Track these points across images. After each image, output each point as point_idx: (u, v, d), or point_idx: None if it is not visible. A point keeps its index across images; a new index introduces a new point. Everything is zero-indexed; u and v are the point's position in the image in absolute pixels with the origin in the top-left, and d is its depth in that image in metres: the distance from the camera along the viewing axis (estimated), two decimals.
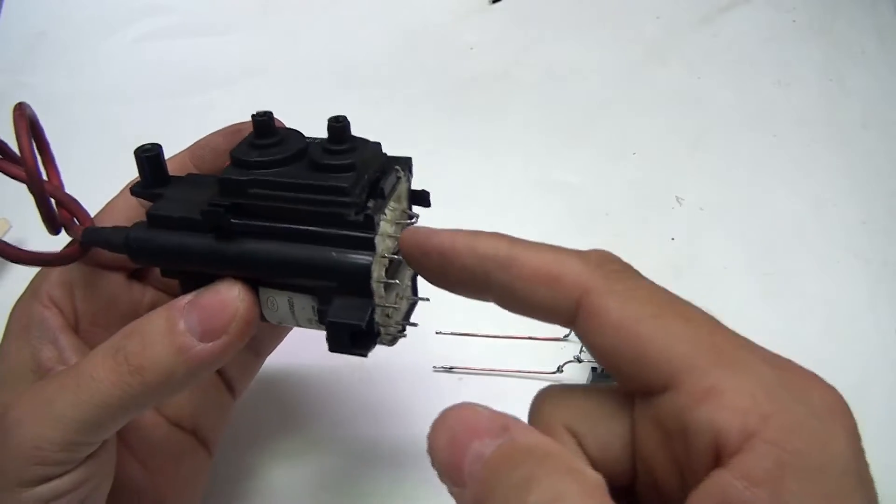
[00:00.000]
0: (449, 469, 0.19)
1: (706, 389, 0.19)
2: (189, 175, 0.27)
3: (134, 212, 0.28)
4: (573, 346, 0.40)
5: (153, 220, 0.25)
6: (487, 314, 0.41)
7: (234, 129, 0.29)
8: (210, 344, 0.23)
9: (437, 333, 0.40)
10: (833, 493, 0.17)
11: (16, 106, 0.24)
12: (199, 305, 0.24)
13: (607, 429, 0.21)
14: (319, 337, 0.24)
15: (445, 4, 0.60)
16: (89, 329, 0.27)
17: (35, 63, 0.56)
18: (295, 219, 0.24)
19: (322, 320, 0.25)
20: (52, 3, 0.60)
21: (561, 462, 0.18)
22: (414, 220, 0.26)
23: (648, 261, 0.49)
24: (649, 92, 0.55)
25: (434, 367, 0.39)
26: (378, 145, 0.26)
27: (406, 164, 0.27)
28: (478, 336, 0.40)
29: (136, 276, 0.29)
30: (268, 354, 0.33)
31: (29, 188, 0.24)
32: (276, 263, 0.24)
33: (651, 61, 0.57)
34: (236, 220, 0.24)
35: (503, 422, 0.20)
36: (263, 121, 0.25)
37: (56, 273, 0.27)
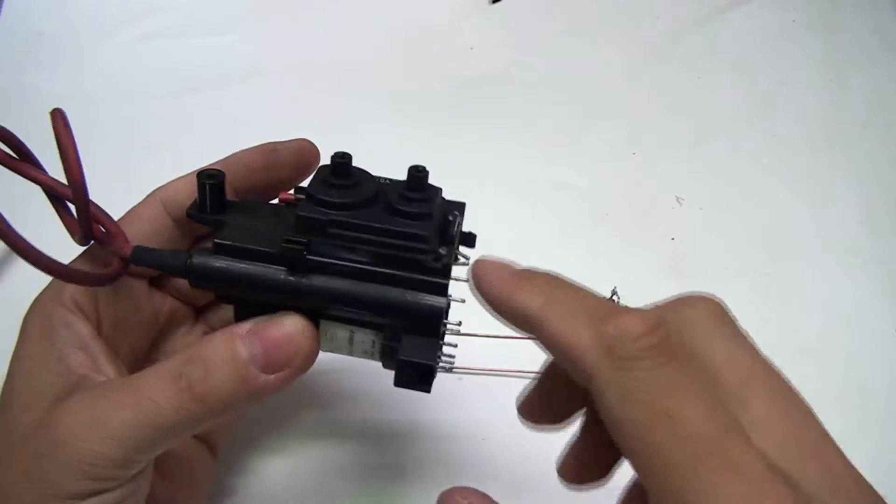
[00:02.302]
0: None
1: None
2: (243, 201, 0.27)
3: (160, 221, 0.28)
4: None
5: (221, 248, 0.25)
6: (486, 314, 0.41)
7: (270, 147, 0.30)
8: (272, 376, 0.24)
9: None
10: None
11: (54, 113, 0.24)
12: (263, 337, 0.24)
13: None
14: None
15: (445, 4, 0.60)
16: (111, 335, 0.27)
17: (35, 63, 0.56)
18: (371, 260, 0.25)
19: (386, 355, 0.26)
20: (52, 3, 0.60)
21: None
22: (467, 262, 0.26)
23: (648, 261, 0.49)
24: (649, 92, 0.55)
25: None
26: (439, 190, 0.27)
27: (461, 208, 0.28)
28: (478, 336, 0.40)
29: (154, 283, 0.29)
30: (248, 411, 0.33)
31: (74, 200, 0.24)
32: (348, 300, 0.25)
33: (651, 61, 0.57)
34: (312, 257, 0.24)
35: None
36: (343, 163, 0.26)
37: (90, 267, 0.27)
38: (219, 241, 0.25)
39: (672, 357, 0.19)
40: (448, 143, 0.51)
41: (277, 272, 0.25)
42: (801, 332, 0.42)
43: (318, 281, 0.24)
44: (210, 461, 0.32)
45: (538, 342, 0.22)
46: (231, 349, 0.24)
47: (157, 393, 0.23)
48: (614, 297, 0.39)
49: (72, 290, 0.26)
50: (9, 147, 0.25)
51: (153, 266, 0.26)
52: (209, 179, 0.26)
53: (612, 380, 0.19)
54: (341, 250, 0.25)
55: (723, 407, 0.18)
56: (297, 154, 0.30)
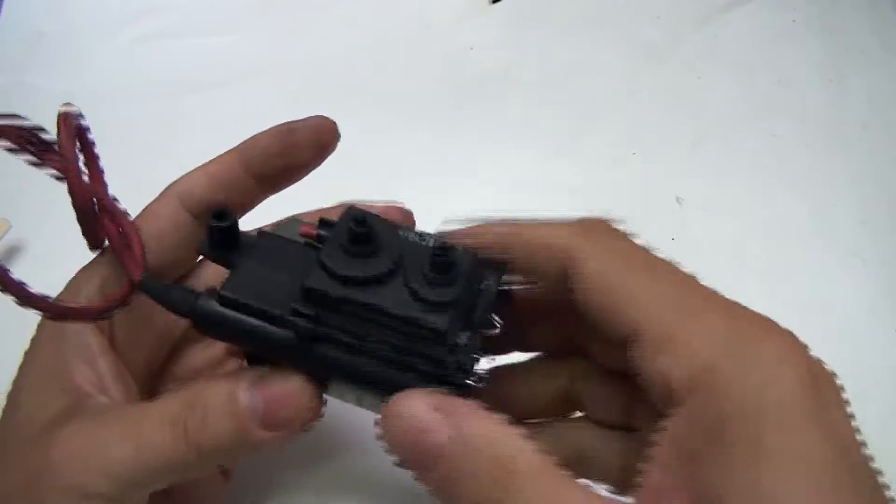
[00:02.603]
0: (409, 462, 0.21)
1: (661, 339, 0.20)
2: (261, 236, 0.25)
3: (177, 217, 0.27)
4: None
5: (225, 301, 0.23)
6: None
7: (285, 128, 0.28)
8: (270, 433, 0.23)
9: None
10: (774, 430, 0.18)
11: (62, 108, 0.23)
12: (265, 391, 0.23)
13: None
14: None
15: (445, 4, 0.60)
16: (125, 348, 0.27)
17: (35, 63, 0.56)
18: (383, 343, 0.22)
19: None
20: (52, 3, 0.60)
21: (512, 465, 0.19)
22: (495, 331, 0.24)
23: None
24: (649, 92, 0.55)
25: None
26: (468, 256, 0.24)
27: (497, 271, 0.25)
28: None
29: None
30: None
31: (71, 196, 0.24)
32: (357, 376, 0.23)
33: (651, 61, 0.57)
34: (321, 328, 0.22)
35: (444, 408, 0.20)
36: (362, 233, 0.23)
37: (96, 286, 0.26)
38: (223, 293, 0.23)
39: (625, 234, 0.24)
40: (448, 144, 0.51)
41: (286, 334, 0.23)
42: (800, 332, 0.42)
43: (327, 351, 0.23)
44: (221, 483, 0.31)
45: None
46: (232, 400, 0.23)
47: (156, 434, 0.23)
48: None
49: (86, 296, 0.26)
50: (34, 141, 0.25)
51: (159, 300, 0.24)
52: (218, 222, 0.24)
53: (592, 248, 0.22)
54: (353, 325, 0.23)
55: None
56: (316, 134, 0.29)
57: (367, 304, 0.22)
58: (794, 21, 0.60)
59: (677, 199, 0.49)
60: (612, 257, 0.22)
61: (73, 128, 0.24)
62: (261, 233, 0.25)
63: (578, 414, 0.28)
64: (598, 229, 0.24)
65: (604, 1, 0.61)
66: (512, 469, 0.19)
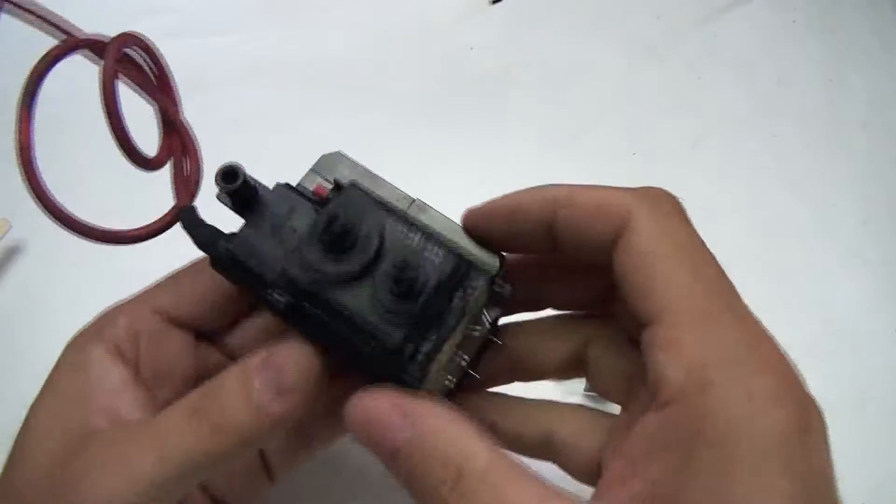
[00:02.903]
0: (375, 454, 0.21)
1: (671, 336, 0.20)
2: (276, 190, 0.26)
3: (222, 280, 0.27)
4: None
5: (230, 257, 0.24)
6: None
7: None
8: (283, 402, 0.23)
9: None
10: (748, 466, 0.18)
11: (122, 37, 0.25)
12: (271, 363, 0.24)
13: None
14: None
15: (445, 4, 0.60)
16: (151, 381, 0.27)
17: (35, 63, 0.56)
18: (350, 336, 0.23)
19: None
20: (52, 4, 0.60)
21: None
22: (481, 331, 0.25)
23: None
24: (649, 92, 0.55)
25: None
26: (450, 257, 0.24)
27: (487, 273, 0.25)
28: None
29: (205, 336, 0.29)
30: (319, 449, 0.32)
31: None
32: (338, 351, 0.24)
33: (651, 61, 0.57)
34: (302, 305, 0.24)
35: (404, 409, 0.21)
36: (337, 238, 0.23)
37: (124, 320, 0.26)
38: (230, 248, 0.24)
39: (688, 220, 0.24)
40: (448, 144, 0.51)
41: (277, 300, 0.24)
42: (801, 332, 0.42)
43: (311, 325, 0.24)
44: (265, 484, 0.31)
45: (564, 241, 0.24)
46: (245, 379, 0.23)
47: (176, 428, 0.23)
48: None
49: (114, 331, 0.26)
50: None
51: (190, 232, 0.25)
52: (226, 184, 0.24)
53: (650, 218, 0.22)
54: (326, 312, 0.23)
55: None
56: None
57: (331, 301, 0.23)
58: (794, 21, 0.60)
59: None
60: (661, 237, 0.22)
61: (134, 43, 0.26)
62: (277, 186, 0.26)
63: (552, 399, 0.28)
64: (659, 203, 0.24)
65: (604, 1, 0.61)
66: (463, 470, 0.19)
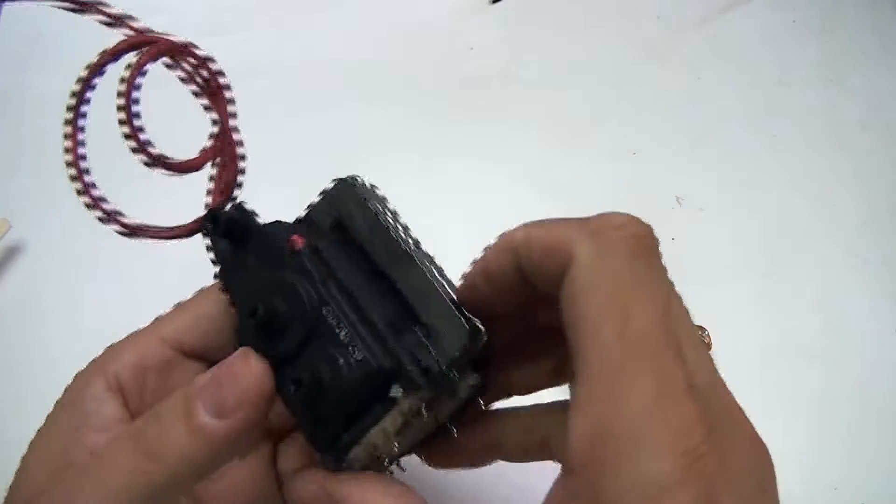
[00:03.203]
0: None
1: (581, 396, 0.19)
2: (262, 230, 0.26)
3: (228, 305, 0.28)
4: None
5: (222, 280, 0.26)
6: None
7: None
8: (225, 422, 0.22)
9: None
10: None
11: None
12: (213, 382, 0.22)
13: None
14: None
15: (445, 4, 0.60)
16: None
17: (35, 63, 0.56)
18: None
19: None
20: (52, 3, 0.60)
21: None
22: (424, 421, 0.24)
23: None
24: (649, 92, 0.55)
25: None
26: (365, 365, 0.23)
27: (415, 379, 0.23)
28: None
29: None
30: None
31: None
32: None
33: (651, 61, 0.57)
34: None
35: (329, 487, 0.23)
36: (262, 325, 0.24)
37: (130, 355, 0.26)
38: (220, 275, 0.26)
39: (646, 252, 0.21)
40: (447, 144, 0.51)
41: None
42: (801, 332, 0.42)
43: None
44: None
45: (537, 286, 0.23)
46: (185, 399, 0.22)
47: (118, 456, 0.22)
48: None
49: (117, 367, 0.25)
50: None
51: (211, 239, 0.26)
52: (214, 228, 0.26)
53: (590, 262, 0.20)
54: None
55: (671, 320, 0.19)
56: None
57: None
58: (794, 21, 0.60)
59: (677, 199, 0.49)
60: (596, 278, 0.20)
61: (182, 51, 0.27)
62: (264, 227, 0.26)
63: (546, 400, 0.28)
64: (605, 234, 0.21)
65: (604, 1, 0.61)
66: None
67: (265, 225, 0.26)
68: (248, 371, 0.23)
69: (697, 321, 0.39)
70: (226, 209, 0.27)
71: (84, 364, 0.27)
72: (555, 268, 0.21)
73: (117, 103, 0.24)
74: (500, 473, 0.35)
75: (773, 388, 0.40)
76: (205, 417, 0.22)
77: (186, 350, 0.27)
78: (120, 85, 0.24)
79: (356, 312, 0.24)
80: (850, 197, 0.49)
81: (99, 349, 0.27)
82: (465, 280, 0.24)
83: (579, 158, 0.51)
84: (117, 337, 0.28)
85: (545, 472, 0.26)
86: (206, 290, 0.28)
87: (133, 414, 0.25)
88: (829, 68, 0.56)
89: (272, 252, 0.25)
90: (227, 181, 0.27)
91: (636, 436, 0.17)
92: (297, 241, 0.25)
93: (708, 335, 0.38)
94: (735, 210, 0.48)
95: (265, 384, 0.23)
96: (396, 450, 0.25)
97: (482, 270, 0.24)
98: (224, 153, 0.27)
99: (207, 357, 0.28)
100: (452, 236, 0.46)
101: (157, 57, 0.26)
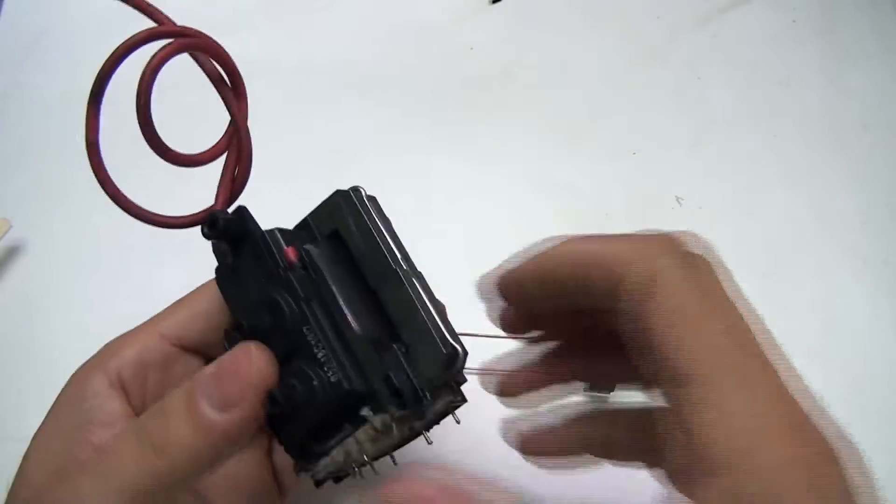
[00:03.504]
0: None
1: (710, 399, 0.20)
2: (261, 238, 0.26)
3: (214, 303, 0.28)
4: None
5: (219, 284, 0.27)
6: (486, 314, 0.41)
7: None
8: (228, 415, 0.22)
9: None
10: None
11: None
12: (216, 375, 0.23)
13: None
14: None
15: (445, 4, 0.60)
16: None
17: (35, 63, 0.56)
18: None
19: None
20: (53, 3, 0.60)
21: None
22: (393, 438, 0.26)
23: None
24: (649, 92, 0.55)
25: None
26: (338, 387, 0.24)
27: (384, 402, 0.24)
28: (477, 336, 0.40)
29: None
30: None
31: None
32: None
33: (651, 61, 0.57)
34: None
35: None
36: (248, 339, 0.25)
37: (131, 351, 0.26)
38: (217, 279, 0.26)
39: (726, 276, 0.24)
40: (447, 143, 0.51)
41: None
42: (801, 332, 0.42)
43: None
44: (275, 500, 0.31)
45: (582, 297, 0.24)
46: (188, 394, 0.22)
47: (123, 452, 0.22)
48: None
49: (119, 363, 0.25)
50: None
51: (215, 238, 0.26)
52: (210, 232, 0.26)
53: (678, 280, 0.22)
54: None
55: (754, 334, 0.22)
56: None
57: None
58: (794, 21, 0.60)
59: (677, 199, 0.49)
60: (690, 294, 0.22)
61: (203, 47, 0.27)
62: (261, 234, 0.26)
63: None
64: (687, 255, 0.23)
65: (604, 1, 0.61)
66: None
67: (263, 232, 0.26)
68: (249, 363, 0.23)
69: None
70: (229, 209, 0.27)
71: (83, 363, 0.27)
72: (635, 283, 0.22)
73: (140, 92, 0.24)
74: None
75: None
76: (208, 411, 0.22)
77: (185, 345, 0.27)
78: (143, 73, 0.24)
79: (335, 332, 0.24)
80: (850, 197, 0.49)
81: (97, 349, 0.27)
82: (511, 276, 0.25)
83: (579, 158, 0.51)
84: (117, 336, 0.28)
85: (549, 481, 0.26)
86: (204, 287, 0.28)
87: (135, 409, 0.25)
88: (829, 68, 0.56)
89: (265, 261, 0.25)
90: (238, 179, 0.28)
91: (775, 425, 0.20)
92: (291, 253, 0.25)
93: None
94: (735, 210, 0.48)
95: (268, 375, 0.23)
96: (367, 459, 0.25)
97: (540, 275, 0.24)
98: (239, 151, 0.27)
99: (205, 352, 0.28)
100: (452, 236, 0.46)
101: (186, 50, 0.26)
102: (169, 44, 0.25)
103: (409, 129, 0.52)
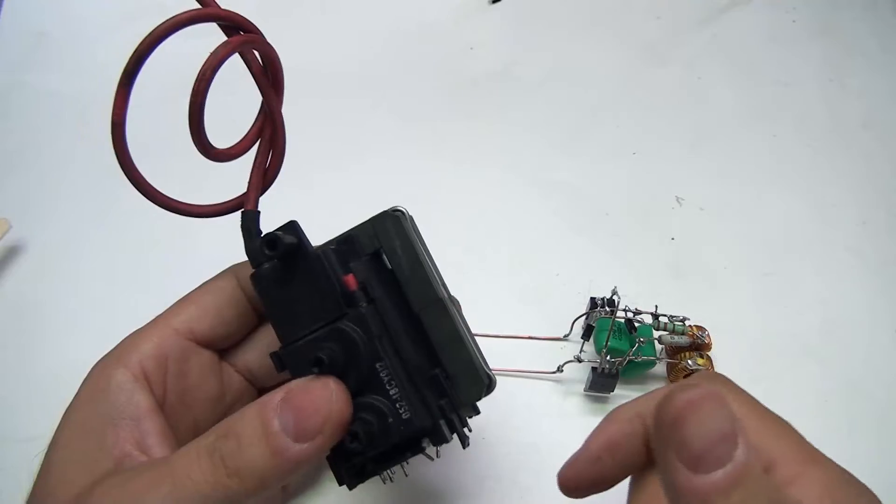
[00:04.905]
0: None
1: (794, 474, 0.22)
2: (317, 257, 0.26)
3: (234, 294, 0.28)
4: (573, 346, 0.40)
5: (259, 289, 0.27)
6: (487, 314, 0.41)
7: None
8: (305, 445, 0.23)
9: None
10: None
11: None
12: (292, 405, 0.23)
13: None
14: None
15: (445, 4, 0.60)
16: (176, 407, 0.27)
17: (35, 63, 0.56)
18: None
19: None
20: (53, 3, 0.60)
21: None
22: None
23: (648, 261, 0.49)
24: (649, 92, 0.55)
25: None
26: (411, 424, 0.25)
27: (446, 437, 0.26)
28: (478, 336, 0.40)
29: (225, 358, 0.29)
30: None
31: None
32: None
33: (651, 61, 0.57)
34: None
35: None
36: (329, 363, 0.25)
37: (150, 345, 0.27)
38: (257, 281, 0.26)
39: None
40: (447, 143, 0.51)
41: None
42: (801, 332, 0.42)
43: None
44: (278, 497, 0.31)
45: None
46: (263, 421, 0.23)
47: (193, 469, 0.23)
48: (614, 297, 0.39)
49: (140, 357, 0.26)
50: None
51: (245, 236, 0.26)
52: (270, 251, 0.25)
53: (733, 399, 0.24)
54: None
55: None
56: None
57: None
58: (794, 21, 0.60)
59: (677, 199, 0.49)
60: (743, 407, 0.24)
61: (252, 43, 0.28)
62: (314, 252, 0.26)
63: None
64: (726, 383, 0.25)
65: (604, 1, 0.61)
66: None
67: (315, 250, 0.26)
68: (329, 399, 0.24)
69: (697, 321, 0.39)
70: (275, 227, 0.27)
71: (84, 363, 0.27)
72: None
73: (196, 91, 0.24)
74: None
75: (773, 387, 0.40)
76: (284, 440, 0.23)
77: (197, 340, 0.28)
78: (203, 72, 0.24)
79: (402, 366, 0.25)
80: (850, 197, 0.49)
81: (98, 348, 0.27)
82: (586, 455, 0.25)
83: (579, 158, 0.51)
84: (117, 336, 0.28)
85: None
86: (211, 283, 0.28)
87: (158, 401, 0.26)
88: (829, 68, 0.56)
89: (322, 283, 0.26)
90: (271, 171, 0.28)
91: (843, 490, 0.22)
92: (351, 281, 0.26)
93: (708, 335, 0.38)
94: (735, 210, 0.48)
95: (346, 413, 0.24)
96: (404, 468, 0.28)
97: (609, 448, 0.24)
98: (276, 144, 0.28)
99: (215, 346, 0.29)
100: (452, 236, 0.46)
101: (244, 48, 0.26)
102: (227, 42, 0.25)
103: (409, 128, 0.52)
